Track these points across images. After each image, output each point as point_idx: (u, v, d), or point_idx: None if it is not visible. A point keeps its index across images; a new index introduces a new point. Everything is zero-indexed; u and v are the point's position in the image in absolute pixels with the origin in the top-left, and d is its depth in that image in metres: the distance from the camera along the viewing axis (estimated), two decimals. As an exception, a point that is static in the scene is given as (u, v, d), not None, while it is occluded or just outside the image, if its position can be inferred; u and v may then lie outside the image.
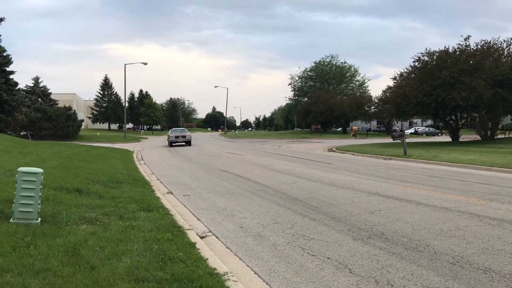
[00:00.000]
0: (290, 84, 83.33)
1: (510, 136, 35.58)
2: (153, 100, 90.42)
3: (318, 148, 29.13)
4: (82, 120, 53.67)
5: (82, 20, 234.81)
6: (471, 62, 25.49)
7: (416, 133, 54.91)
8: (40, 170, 5.55)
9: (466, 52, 26.24)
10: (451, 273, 4.29)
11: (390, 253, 5.00)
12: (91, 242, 4.92)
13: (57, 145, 25.93)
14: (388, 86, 32.81)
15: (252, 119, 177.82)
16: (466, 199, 8.28)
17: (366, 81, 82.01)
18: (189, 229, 6.06)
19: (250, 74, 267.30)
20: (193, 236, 5.67)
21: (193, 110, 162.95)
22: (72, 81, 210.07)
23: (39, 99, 60.26)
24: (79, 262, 4.19)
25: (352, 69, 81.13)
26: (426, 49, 28.85)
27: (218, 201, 8.83)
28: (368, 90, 79.29)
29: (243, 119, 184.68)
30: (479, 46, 26.38)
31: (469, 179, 11.32)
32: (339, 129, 73.33)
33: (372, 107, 57.14)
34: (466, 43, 26.84)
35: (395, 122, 56.48)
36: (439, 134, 51.52)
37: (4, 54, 40.42)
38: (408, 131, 50.22)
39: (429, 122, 59.99)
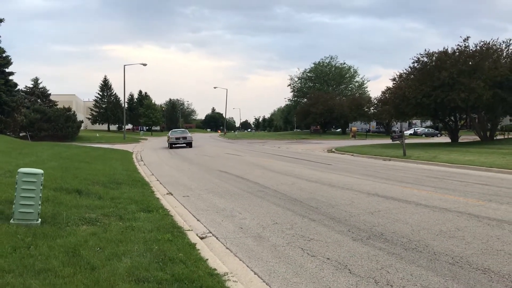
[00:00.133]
0: (289, 85, 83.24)
1: (509, 137, 35.62)
2: (153, 101, 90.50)
3: (318, 149, 29.16)
4: (82, 121, 53.63)
5: (82, 21, 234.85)
6: (470, 63, 25.53)
7: (415, 134, 54.95)
8: (40, 171, 5.56)
9: (465, 53, 26.26)
10: (450, 273, 4.31)
11: (389, 253, 5.02)
12: (92, 242, 4.93)
13: (56, 146, 25.94)
14: (387, 87, 32.87)
15: (251, 120, 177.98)
16: (465, 199, 8.30)
17: (365, 82, 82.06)
18: (189, 230, 6.08)
19: (250, 75, 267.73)
20: (193, 237, 5.68)
21: (193, 111, 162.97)
22: (71, 82, 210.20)
23: (39, 100, 60.28)
24: (80, 263, 4.20)
25: (352, 70, 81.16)
26: (425, 50, 28.92)
27: (217, 202, 8.85)
28: (368, 91, 79.35)
29: (243, 120, 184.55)
30: (478, 47, 26.41)
31: (468, 180, 11.34)
32: (339, 130, 73.30)
33: (372, 108, 57.27)
34: (465, 44, 26.90)
35: (395, 123, 56.51)
36: (439, 135, 51.58)
37: (4, 55, 40.51)
38: (407, 132, 50.21)
39: (429, 123, 60.00)
